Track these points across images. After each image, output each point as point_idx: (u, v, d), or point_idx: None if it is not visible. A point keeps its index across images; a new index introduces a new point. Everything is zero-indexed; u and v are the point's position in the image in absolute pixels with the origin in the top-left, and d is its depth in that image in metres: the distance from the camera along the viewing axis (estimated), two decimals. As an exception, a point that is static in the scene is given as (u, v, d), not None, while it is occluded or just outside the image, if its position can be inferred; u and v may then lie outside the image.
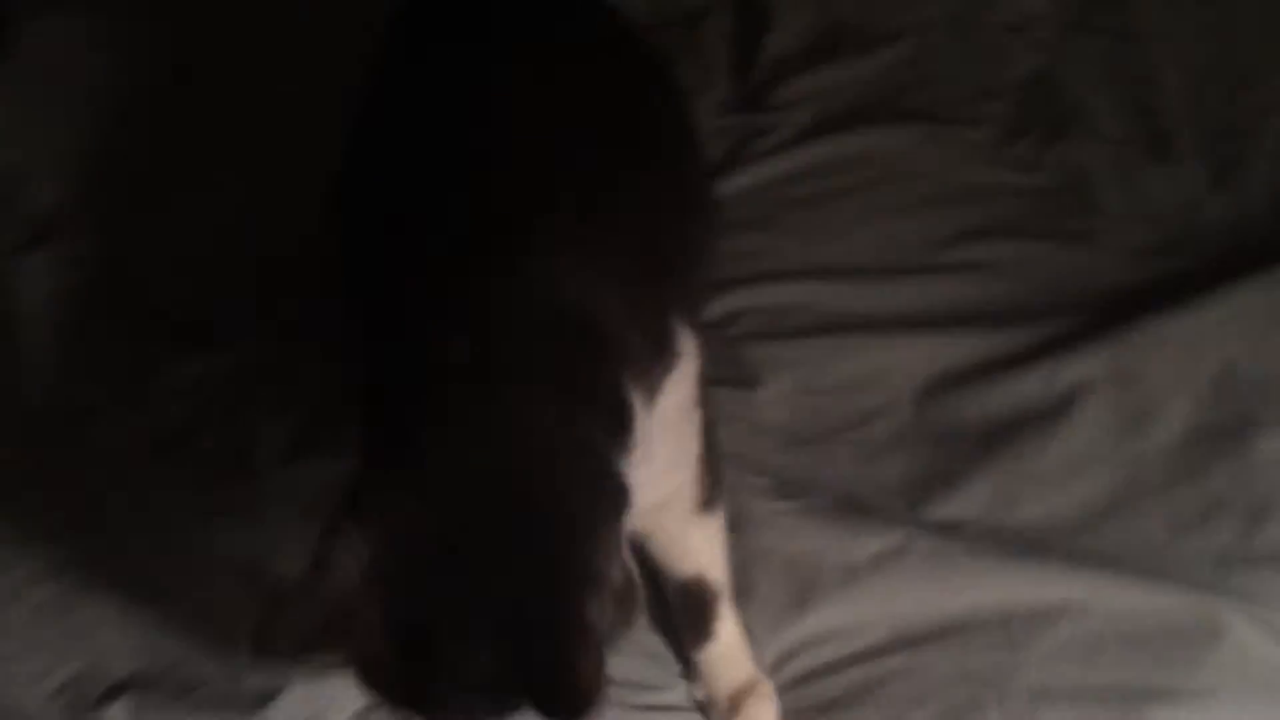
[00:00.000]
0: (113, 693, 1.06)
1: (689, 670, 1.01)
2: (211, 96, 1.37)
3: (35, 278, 1.27)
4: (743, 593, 1.00)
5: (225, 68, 1.39)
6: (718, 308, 1.16)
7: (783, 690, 0.97)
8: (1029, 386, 1.07)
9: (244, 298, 1.24)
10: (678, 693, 1.01)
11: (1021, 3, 1.35)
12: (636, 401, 0.78)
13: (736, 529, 0.99)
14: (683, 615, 1.00)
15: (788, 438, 1.10)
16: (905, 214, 1.21)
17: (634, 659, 0.98)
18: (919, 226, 1.20)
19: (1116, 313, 1.09)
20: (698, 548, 0.97)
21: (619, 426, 0.75)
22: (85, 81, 1.40)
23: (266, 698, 1.01)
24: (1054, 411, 1.05)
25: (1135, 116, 1.24)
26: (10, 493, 1.17)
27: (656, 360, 0.82)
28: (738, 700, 0.98)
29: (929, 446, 1.07)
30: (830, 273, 1.17)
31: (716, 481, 0.94)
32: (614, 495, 0.72)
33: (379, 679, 0.70)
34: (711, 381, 1.05)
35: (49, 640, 1.11)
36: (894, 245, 1.19)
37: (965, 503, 1.03)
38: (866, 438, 1.09)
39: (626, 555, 0.72)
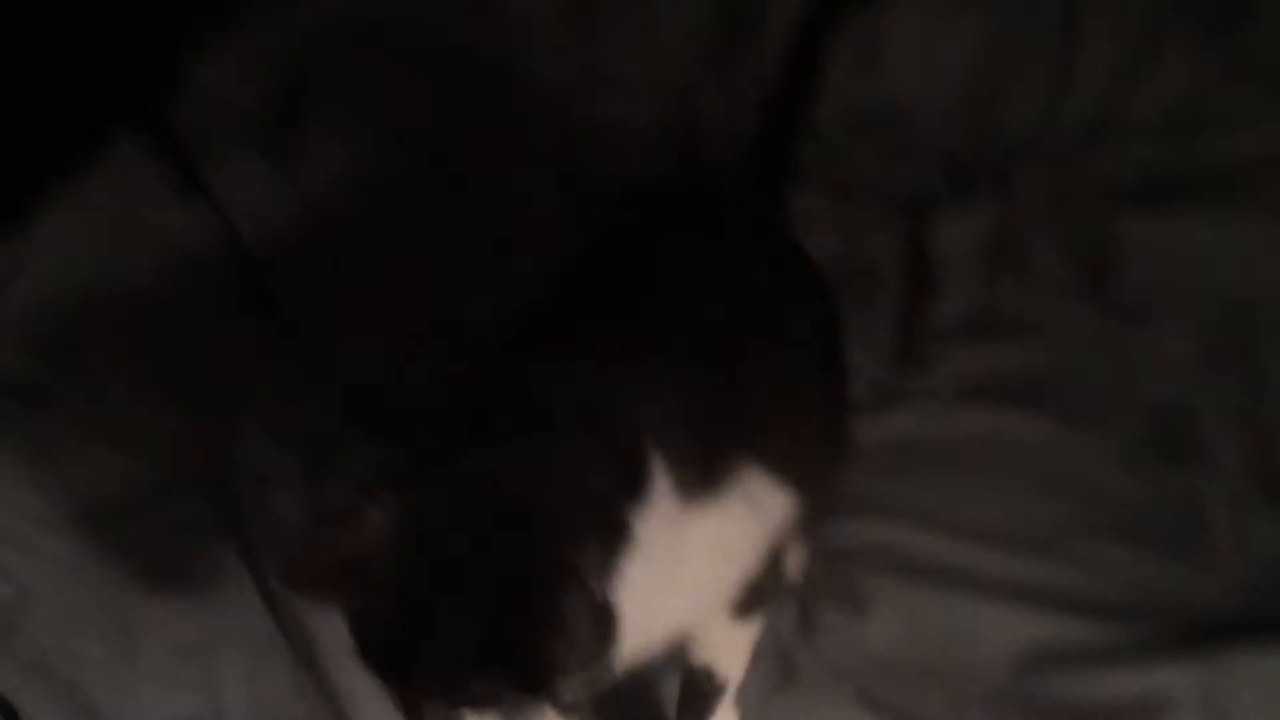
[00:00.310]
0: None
1: None
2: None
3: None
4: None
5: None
6: (843, 532, 1.27)
7: None
8: (1119, 683, 1.15)
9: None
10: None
11: (1164, 332, 1.46)
12: (665, 490, 0.88)
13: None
14: (683, 695, 1.09)
15: (885, 666, 1.19)
16: (1029, 495, 1.30)
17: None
18: (1039, 510, 1.29)
19: (1214, 638, 1.17)
20: (718, 642, 1.05)
21: (633, 486, 0.87)
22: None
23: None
24: (1139, 714, 1.13)
25: (1256, 461, 1.33)
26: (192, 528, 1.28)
27: (703, 482, 0.91)
28: None
29: (1015, 715, 1.15)
30: (952, 530, 1.27)
31: (760, 599, 1.02)
32: (611, 527, 0.84)
33: (370, 632, 0.82)
34: (821, 594, 1.17)
35: (179, 675, 1.21)
36: (1013, 521, 1.28)
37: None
38: (958, 691, 1.17)
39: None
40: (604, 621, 0.81)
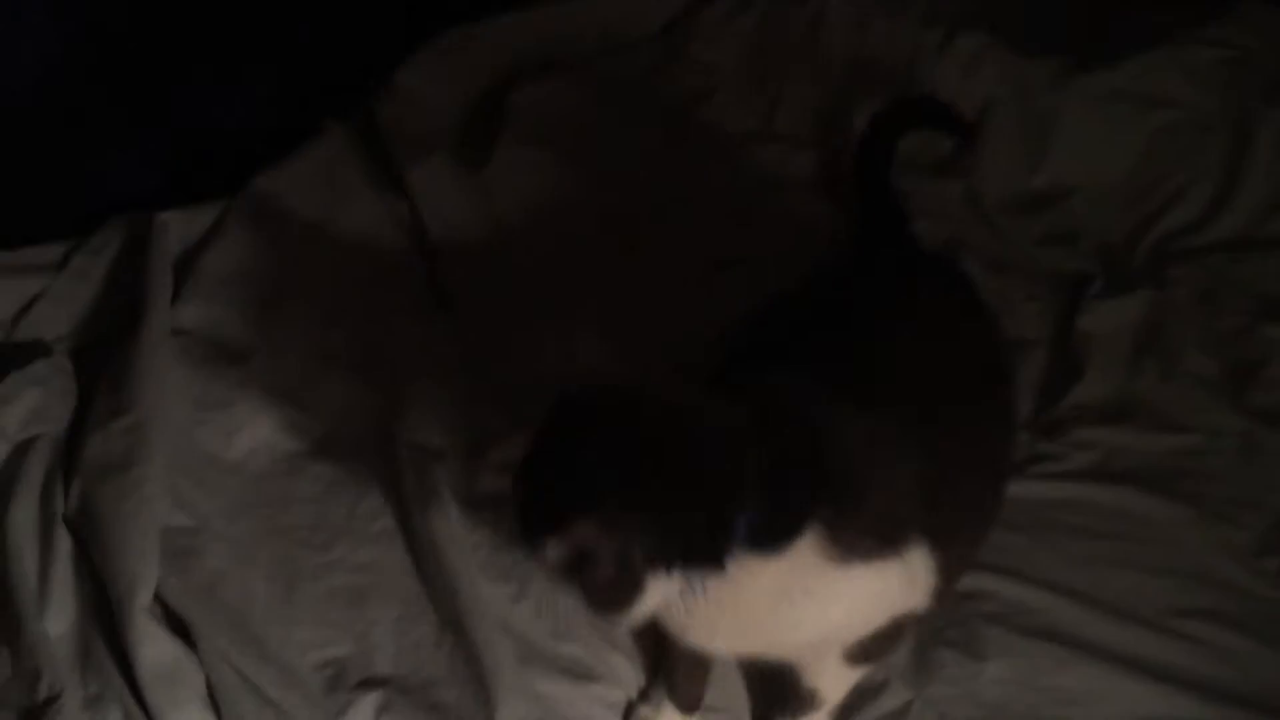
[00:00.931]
0: (368, 684, 1.23)
1: None
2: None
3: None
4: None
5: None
6: (968, 583, 1.31)
7: None
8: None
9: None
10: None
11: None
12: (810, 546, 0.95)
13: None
14: (787, 694, 1.14)
15: (995, 712, 1.23)
16: (1152, 574, 1.33)
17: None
18: (1161, 589, 1.32)
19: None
20: (826, 675, 1.11)
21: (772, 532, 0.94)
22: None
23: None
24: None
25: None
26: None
27: (861, 547, 0.97)
28: None
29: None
30: (1075, 595, 1.31)
31: (875, 655, 1.10)
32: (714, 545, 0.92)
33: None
34: (940, 638, 1.22)
35: (332, 619, 1.29)
36: (1134, 595, 1.32)
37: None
38: (1064, 749, 1.21)
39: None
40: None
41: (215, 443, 1.42)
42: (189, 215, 1.64)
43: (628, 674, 1.26)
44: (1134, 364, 1.54)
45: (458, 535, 1.33)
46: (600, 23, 1.90)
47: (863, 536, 0.97)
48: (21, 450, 1.35)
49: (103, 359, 1.46)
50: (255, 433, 1.43)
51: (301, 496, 1.39)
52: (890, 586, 1.02)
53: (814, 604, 0.98)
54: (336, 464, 1.42)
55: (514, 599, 1.29)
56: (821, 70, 1.89)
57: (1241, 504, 1.40)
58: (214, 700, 1.20)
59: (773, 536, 0.93)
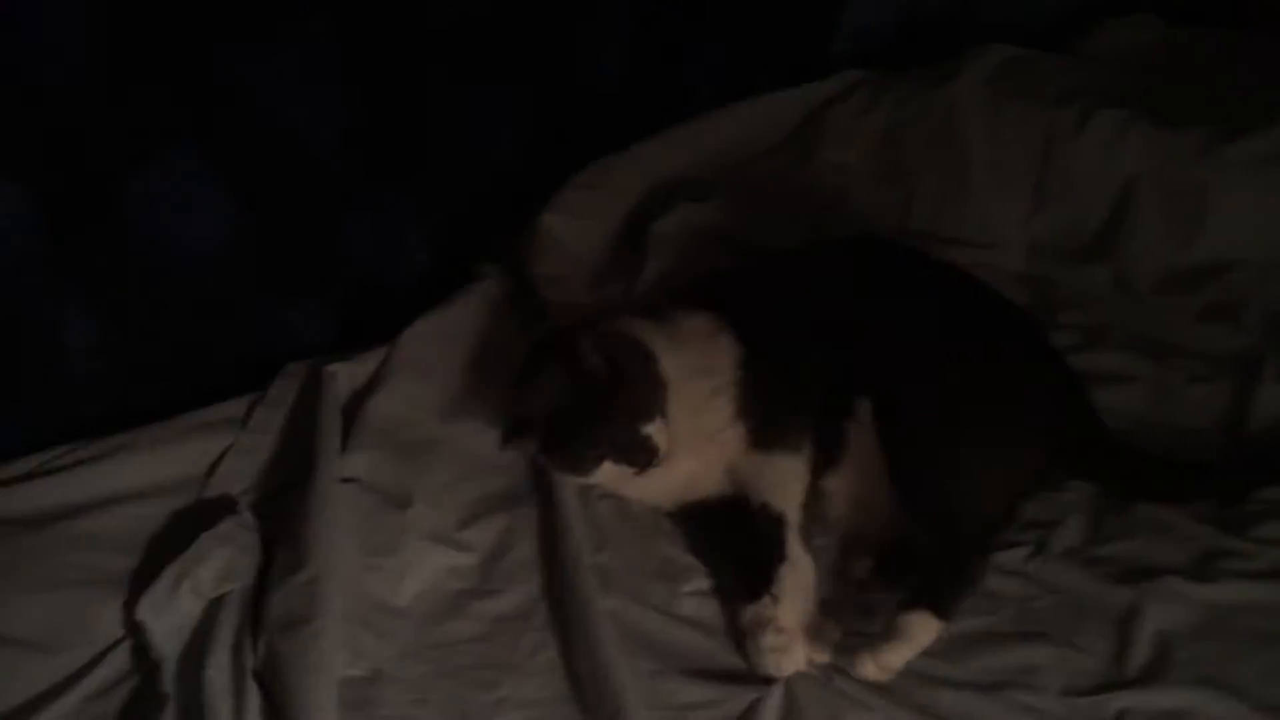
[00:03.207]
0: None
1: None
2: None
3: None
4: None
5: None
6: (1166, 698, 1.25)
7: None
8: None
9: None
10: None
11: None
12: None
13: None
14: (760, 541, 1.38)
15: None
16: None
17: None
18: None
19: None
20: (760, 477, 1.41)
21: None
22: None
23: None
24: None
25: None
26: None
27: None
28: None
29: None
30: (1272, 711, 1.23)
31: (778, 436, 1.42)
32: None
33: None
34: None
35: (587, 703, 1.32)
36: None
37: None
38: None
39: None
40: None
41: (384, 589, 1.47)
42: (355, 364, 1.72)
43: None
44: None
45: (618, 661, 1.34)
46: (727, 140, 1.94)
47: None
48: (214, 608, 1.42)
49: (283, 510, 1.56)
50: (419, 576, 1.49)
51: (467, 636, 1.43)
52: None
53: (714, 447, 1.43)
54: (497, 601, 1.46)
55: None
56: (956, 157, 1.88)
57: None
58: None
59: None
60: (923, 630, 1.28)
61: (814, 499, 1.44)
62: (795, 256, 1.64)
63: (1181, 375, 1.56)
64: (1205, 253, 1.68)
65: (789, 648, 1.32)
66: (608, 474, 1.46)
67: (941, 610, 1.29)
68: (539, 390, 1.46)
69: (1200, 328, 1.62)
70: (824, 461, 1.45)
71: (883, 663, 1.28)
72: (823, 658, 1.33)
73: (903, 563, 1.39)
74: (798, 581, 1.37)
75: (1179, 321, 1.62)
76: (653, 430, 1.43)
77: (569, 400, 1.43)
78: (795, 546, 1.39)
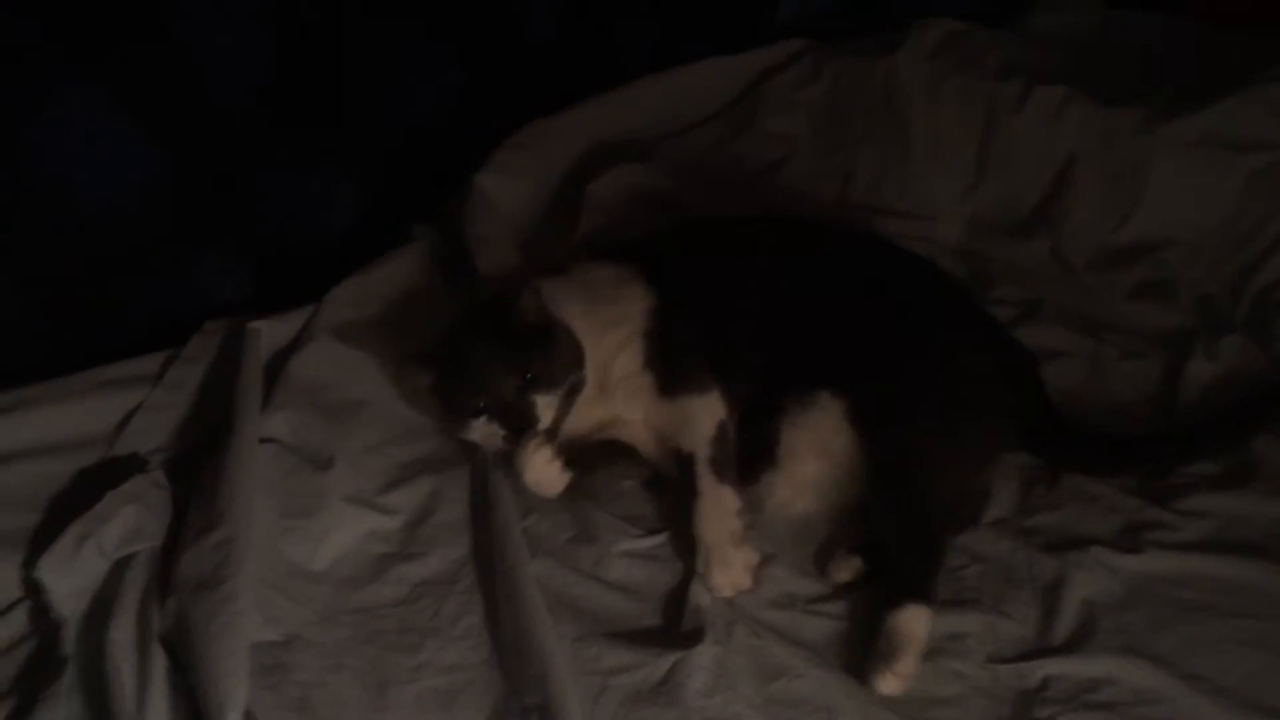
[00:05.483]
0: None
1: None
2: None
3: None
4: None
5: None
6: (1087, 667, 1.24)
7: None
8: None
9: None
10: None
11: None
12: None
13: None
14: (680, 482, 1.41)
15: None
16: (1269, 651, 1.25)
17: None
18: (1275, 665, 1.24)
19: None
20: (668, 420, 1.44)
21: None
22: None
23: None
24: None
25: None
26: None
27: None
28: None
29: None
30: (1195, 680, 1.23)
31: (679, 383, 1.44)
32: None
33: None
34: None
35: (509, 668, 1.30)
36: (1261, 681, 1.23)
37: None
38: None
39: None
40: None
41: (302, 552, 1.43)
42: (279, 322, 1.66)
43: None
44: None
45: (544, 625, 1.31)
46: (667, 104, 1.91)
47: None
48: (120, 568, 1.37)
49: (197, 470, 1.50)
50: (340, 538, 1.45)
51: (388, 600, 1.40)
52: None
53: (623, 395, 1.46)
54: (420, 565, 1.43)
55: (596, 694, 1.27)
56: (897, 130, 1.87)
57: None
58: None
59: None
60: (918, 623, 1.27)
61: (752, 503, 1.43)
62: (731, 227, 1.61)
63: (1114, 351, 1.56)
64: (1140, 231, 1.69)
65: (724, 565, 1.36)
66: (480, 432, 1.44)
67: (925, 596, 1.28)
68: (459, 335, 1.46)
69: (1133, 304, 1.62)
70: (759, 462, 1.43)
71: (899, 671, 1.25)
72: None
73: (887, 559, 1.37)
74: (717, 512, 1.39)
75: (1113, 298, 1.63)
76: (541, 403, 1.41)
77: (480, 346, 1.43)
78: (708, 480, 1.41)
